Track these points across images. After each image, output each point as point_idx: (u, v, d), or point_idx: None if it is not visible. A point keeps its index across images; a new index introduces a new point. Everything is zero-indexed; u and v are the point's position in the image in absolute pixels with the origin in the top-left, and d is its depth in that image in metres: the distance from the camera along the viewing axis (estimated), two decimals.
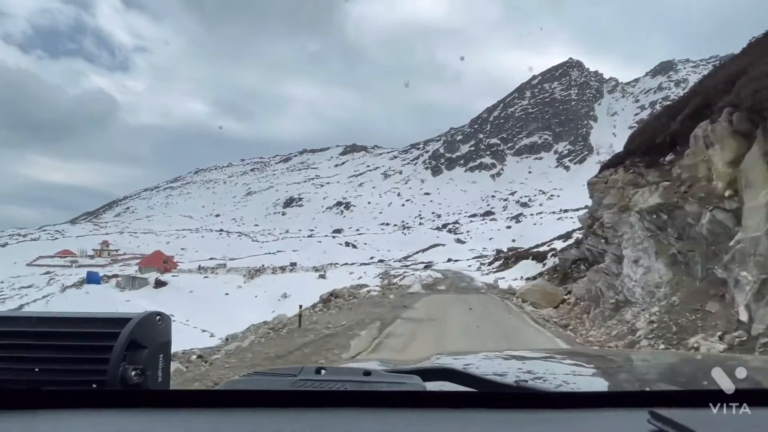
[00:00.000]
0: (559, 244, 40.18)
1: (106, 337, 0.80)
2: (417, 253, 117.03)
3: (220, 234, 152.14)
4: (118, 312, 0.88)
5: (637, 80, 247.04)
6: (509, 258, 45.16)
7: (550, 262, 35.92)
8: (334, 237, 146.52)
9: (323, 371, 0.92)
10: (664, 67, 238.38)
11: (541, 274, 34.24)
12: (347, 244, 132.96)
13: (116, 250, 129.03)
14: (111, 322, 0.82)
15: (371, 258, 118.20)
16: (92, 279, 56.34)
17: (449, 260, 68.28)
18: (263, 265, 72.54)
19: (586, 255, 18.48)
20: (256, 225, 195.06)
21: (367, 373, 0.89)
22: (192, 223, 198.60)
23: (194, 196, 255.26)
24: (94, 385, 0.77)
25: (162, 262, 66.50)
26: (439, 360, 1.50)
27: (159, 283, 53.73)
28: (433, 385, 0.93)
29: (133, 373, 0.78)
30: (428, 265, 58.55)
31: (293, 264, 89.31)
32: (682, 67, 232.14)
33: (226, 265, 79.96)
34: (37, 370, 0.78)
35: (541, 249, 39.72)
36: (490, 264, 51.79)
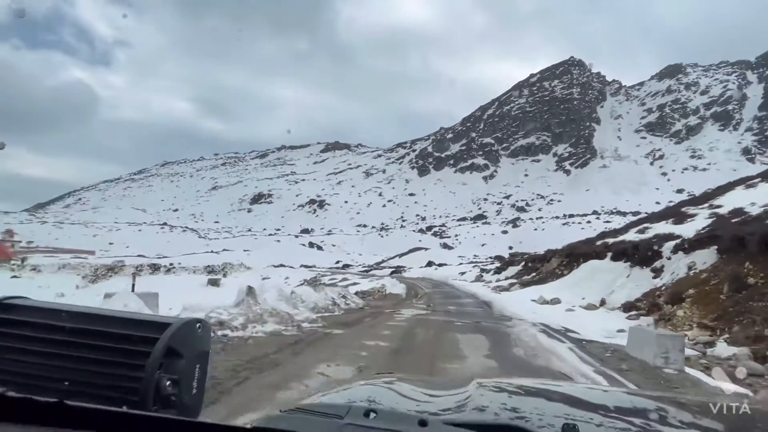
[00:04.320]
0: (663, 227, 18.63)
1: (143, 341, 0.76)
2: (394, 257, 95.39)
3: (162, 228, 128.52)
4: (158, 315, 0.85)
5: (641, 84, 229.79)
6: (542, 260, 23.53)
7: (681, 265, 14.14)
8: (297, 237, 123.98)
9: (373, 414, 0.84)
10: (672, 71, 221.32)
11: (665, 296, 12.41)
12: (311, 245, 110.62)
13: (25, 242, 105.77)
14: (149, 325, 0.78)
15: (337, 262, 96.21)
16: None
17: (430, 264, 46.45)
18: (152, 263, 50.24)
19: None
20: (217, 222, 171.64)
21: (423, 423, 0.79)
22: (144, 217, 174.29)
23: (155, 189, 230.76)
24: (135, 398, 0.73)
25: None
26: (482, 387, 1.31)
27: None
28: None
29: (168, 383, 0.74)
30: (397, 271, 36.76)
31: (245, 265, 67.52)
32: (691, 71, 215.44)
33: (122, 263, 57.33)
34: (74, 372, 0.75)
35: (626, 237, 18.20)
36: (498, 271, 30.27)
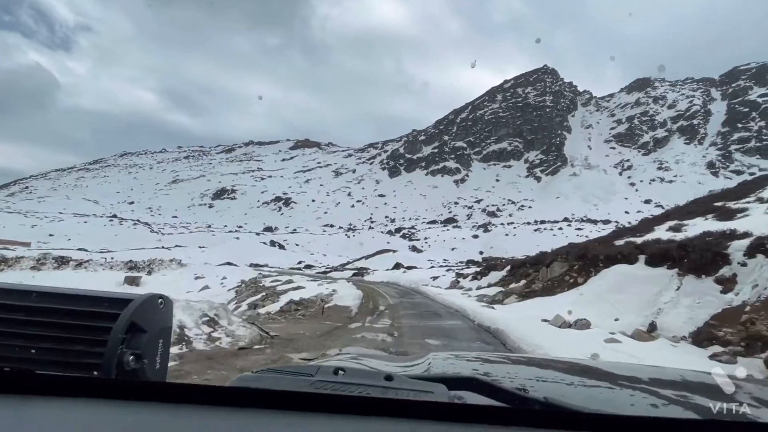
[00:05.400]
0: (705, 224, 14.35)
1: (105, 317, 0.75)
2: (360, 259, 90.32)
3: (111, 221, 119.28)
4: (119, 292, 0.82)
5: (611, 95, 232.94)
6: (535, 264, 18.96)
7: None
8: (258, 235, 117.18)
9: (341, 372, 0.86)
10: (641, 84, 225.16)
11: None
12: (273, 243, 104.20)
13: None
14: (111, 302, 0.77)
15: (299, 262, 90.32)
16: None
17: (398, 267, 41.74)
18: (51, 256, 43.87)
19: None
20: (175, 217, 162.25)
21: (389, 377, 0.82)
22: (95, 209, 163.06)
23: (111, 181, 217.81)
24: (95, 372, 0.71)
25: None
26: (437, 359, 1.38)
27: None
28: (458, 395, 0.87)
29: (131, 358, 0.73)
30: (359, 273, 31.75)
31: (178, 262, 61.06)
32: (659, 85, 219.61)
33: (48, 254, 50.24)
34: (33, 351, 0.73)
35: (656, 236, 13.67)
36: (478, 276, 25.70)
